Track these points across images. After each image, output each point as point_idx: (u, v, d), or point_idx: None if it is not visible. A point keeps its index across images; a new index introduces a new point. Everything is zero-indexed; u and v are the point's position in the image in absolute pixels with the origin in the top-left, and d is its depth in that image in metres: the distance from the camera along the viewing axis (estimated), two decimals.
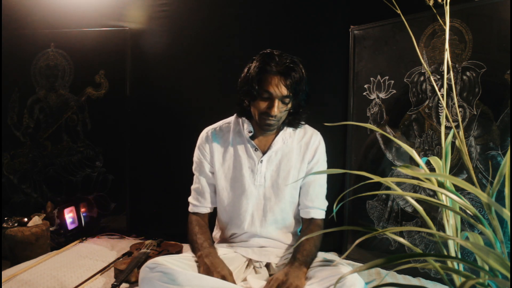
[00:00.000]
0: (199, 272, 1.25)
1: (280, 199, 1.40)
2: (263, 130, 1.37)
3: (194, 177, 1.49)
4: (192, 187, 1.49)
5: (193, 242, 1.38)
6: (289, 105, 1.33)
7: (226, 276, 1.20)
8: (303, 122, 1.45)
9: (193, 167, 1.49)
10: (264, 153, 1.41)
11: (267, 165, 1.41)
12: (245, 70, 1.35)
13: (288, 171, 1.40)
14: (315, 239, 1.34)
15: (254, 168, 1.40)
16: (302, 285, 1.18)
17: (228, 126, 1.47)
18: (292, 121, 1.41)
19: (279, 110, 1.28)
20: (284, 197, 1.40)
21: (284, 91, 1.27)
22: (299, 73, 1.28)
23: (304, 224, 1.45)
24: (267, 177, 1.41)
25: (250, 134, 1.41)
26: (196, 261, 1.30)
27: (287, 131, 1.43)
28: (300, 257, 1.27)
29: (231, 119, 1.49)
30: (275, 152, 1.41)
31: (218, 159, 1.44)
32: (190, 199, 1.49)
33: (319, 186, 1.44)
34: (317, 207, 1.42)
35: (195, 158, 1.48)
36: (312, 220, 1.42)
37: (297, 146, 1.43)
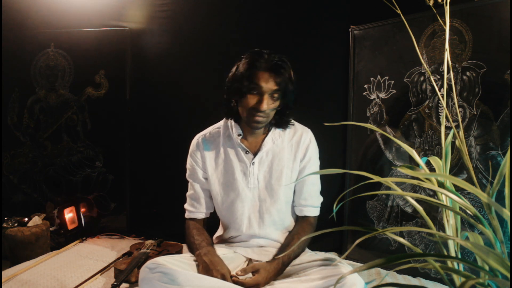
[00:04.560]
0: (198, 270, 1.25)
1: (276, 200, 1.40)
2: (251, 128, 1.37)
3: (189, 184, 1.51)
4: (187, 194, 1.51)
5: (191, 243, 1.39)
6: (278, 103, 1.33)
7: (226, 274, 1.20)
8: (292, 123, 1.46)
9: (187, 175, 1.51)
10: (255, 154, 1.41)
11: (259, 166, 1.41)
12: (233, 69, 1.36)
13: (280, 171, 1.40)
14: (305, 240, 1.39)
15: (246, 170, 1.41)
16: (263, 280, 1.23)
17: (218, 131, 1.48)
18: (280, 121, 1.41)
19: (268, 105, 1.29)
20: (279, 198, 1.40)
21: (274, 86, 1.28)
22: (288, 71, 1.31)
23: (297, 221, 1.48)
24: (260, 179, 1.41)
25: (240, 137, 1.41)
26: (196, 261, 1.30)
27: (276, 131, 1.44)
28: (285, 259, 1.32)
29: (221, 123, 1.50)
30: (265, 152, 1.42)
31: (211, 164, 1.44)
32: (186, 205, 1.50)
33: (312, 185, 1.45)
34: (311, 205, 1.44)
35: (188, 166, 1.50)
36: (305, 218, 1.45)
37: (288, 145, 1.43)
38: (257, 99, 1.29)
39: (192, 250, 1.38)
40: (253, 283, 1.22)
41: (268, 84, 1.28)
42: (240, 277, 1.24)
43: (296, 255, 1.36)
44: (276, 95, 1.31)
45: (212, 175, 1.44)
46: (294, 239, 1.38)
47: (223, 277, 1.19)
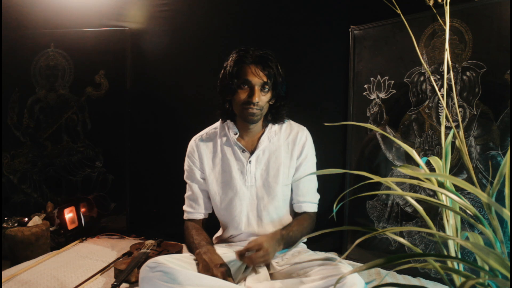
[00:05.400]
0: (198, 269, 1.25)
1: (273, 197, 1.41)
2: (247, 122, 1.39)
3: (187, 185, 1.51)
4: (186, 195, 1.52)
5: (190, 243, 1.40)
6: (269, 94, 1.37)
7: (226, 272, 1.20)
8: (287, 119, 1.48)
9: (185, 176, 1.51)
10: (251, 153, 1.42)
11: (256, 164, 1.42)
12: (222, 71, 1.41)
13: (277, 169, 1.41)
14: (305, 226, 1.40)
15: (243, 169, 1.42)
16: (269, 250, 1.22)
17: (215, 132, 1.49)
18: (275, 115, 1.44)
19: (259, 97, 1.32)
20: (277, 195, 1.42)
21: (263, 78, 1.32)
22: (274, 63, 1.34)
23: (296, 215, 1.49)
24: (257, 177, 1.42)
25: (236, 136, 1.42)
26: (196, 260, 1.30)
27: (272, 129, 1.45)
28: (284, 232, 1.32)
29: (217, 124, 1.52)
30: (262, 151, 1.43)
31: (208, 164, 1.45)
32: (184, 207, 1.51)
33: (309, 181, 1.46)
34: (309, 201, 1.45)
35: (185, 167, 1.51)
36: (305, 213, 1.46)
37: (284, 143, 1.45)
38: (248, 93, 1.33)
39: (191, 249, 1.38)
40: (255, 245, 1.22)
41: (257, 77, 1.31)
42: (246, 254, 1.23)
43: (296, 236, 1.35)
44: (266, 87, 1.34)
45: (209, 174, 1.45)
46: (294, 222, 1.41)
47: (223, 275, 1.19)
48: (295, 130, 1.47)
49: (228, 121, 1.45)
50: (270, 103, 1.41)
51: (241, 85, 1.33)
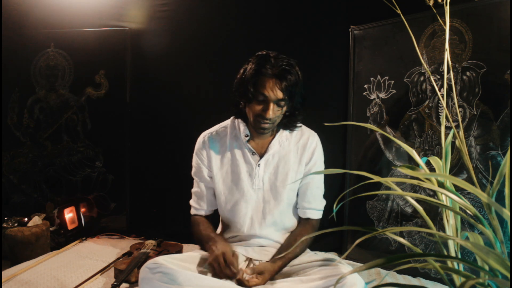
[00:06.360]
0: (203, 266, 1.27)
1: (279, 202, 1.40)
2: (257, 133, 1.38)
3: (194, 181, 1.51)
4: (193, 190, 1.51)
5: (200, 236, 1.40)
6: (284, 108, 1.32)
7: (227, 252, 1.22)
8: (299, 124, 1.45)
9: (192, 172, 1.51)
10: (261, 156, 1.41)
11: (264, 168, 1.41)
12: (241, 71, 1.36)
13: (286, 174, 1.40)
14: (306, 242, 1.40)
15: (252, 172, 1.41)
16: (265, 282, 1.25)
17: (225, 130, 1.47)
18: (288, 123, 1.41)
19: (274, 113, 1.28)
20: (283, 200, 1.41)
21: (280, 95, 1.26)
22: (295, 75, 1.27)
23: (299, 222, 1.47)
24: (265, 181, 1.41)
25: (247, 138, 1.41)
26: (195, 259, 1.32)
27: (283, 134, 1.43)
28: (286, 260, 1.33)
29: (227, 122, 1.49)
30: (272, 155, 1.42)
31: (216, 163, 1.44)
32: (191, 202, 1.51)
33: (316, 188, 1.44)
34: (314, 208, 1.44)
35: (193, 163, 1.50)
36: (308, 220, 1.44)
37: (294, 148, 1.43)
38: (262, 107, 1.29)
39: (202, 242, 1.38)
40: (254, 284, 1.23)
41: (273, 92, 1.26)
42: (245, 276, 1.25)
43: (296, 255, 1.37)
44: (282, 103, 1.29)
45: (217, 174, 1.44)
46: (295, 240, 1.39)
47: (224, 255, 1.21)
48: (306, 135, 1.46)
49: (240, 120, 1.43)
50: (286, 113, 1.37)
51: (257, 97, 1.28)
